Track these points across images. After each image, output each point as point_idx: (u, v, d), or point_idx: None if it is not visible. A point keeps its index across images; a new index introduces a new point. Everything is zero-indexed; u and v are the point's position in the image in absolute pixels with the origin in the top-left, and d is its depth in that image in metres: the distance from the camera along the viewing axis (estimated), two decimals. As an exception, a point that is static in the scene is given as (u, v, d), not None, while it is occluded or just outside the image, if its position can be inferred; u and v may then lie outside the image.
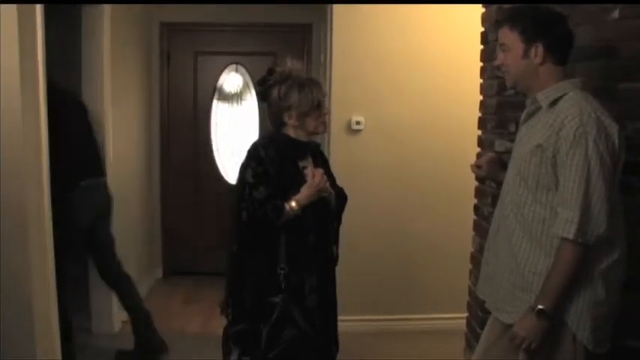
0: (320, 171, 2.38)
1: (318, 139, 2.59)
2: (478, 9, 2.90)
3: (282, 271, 2.33)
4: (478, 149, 2.91)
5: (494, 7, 2.68)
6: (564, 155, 1.76)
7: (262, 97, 2.44)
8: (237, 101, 5.33)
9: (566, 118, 1.77)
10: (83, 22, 3.69)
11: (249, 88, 5.25)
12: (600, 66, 2.20)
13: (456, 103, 3.76)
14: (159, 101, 5.17)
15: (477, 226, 2.91)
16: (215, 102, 5.30)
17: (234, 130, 5.33)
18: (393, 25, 3.87)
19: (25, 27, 2.57)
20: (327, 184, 2.40)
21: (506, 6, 2.44)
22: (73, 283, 3.47)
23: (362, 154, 3.93)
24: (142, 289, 4.74)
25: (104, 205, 3.59)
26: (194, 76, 5.23)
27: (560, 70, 1.91)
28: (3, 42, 2.46)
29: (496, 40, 2.05)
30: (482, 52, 2.90)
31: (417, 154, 3.95)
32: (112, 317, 3.96)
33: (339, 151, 3.89)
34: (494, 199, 2.52)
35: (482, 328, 2.61)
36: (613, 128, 1.77)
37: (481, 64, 2.93)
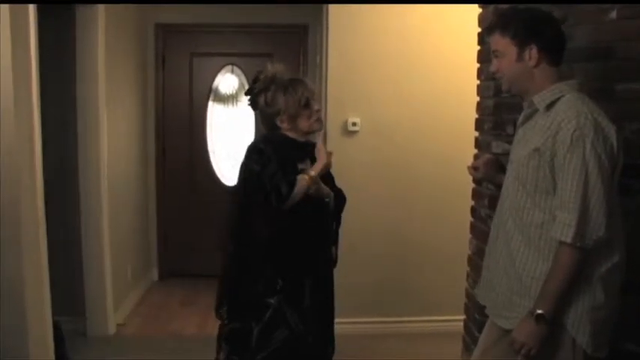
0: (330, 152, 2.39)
1: (316, 139, 2.57)
2: (475, 9, 2.89)
3: (280, 273, 2.32)
4: (475, 151, 2.89)
5: (490, 7, 2.66)
6: (562, 158, 1.74)
7: (253, 107, 2.44)
8: (233, 102, 5.32)
9: (562, 120, 1.75)
10: (77, 22, 3.66)
11: (244, 89, 5.19)
12: (598, 67, 2.19)
13: (453, 104, 3.75)
14: (154, 102, 5.15)
15: (474, 228, 2.89)
16: (211, 103, 5.29)
17: (229, 132, 5.31)
18: (389, 26, 3.86)
19: (17, 27, 2.55)
20: (317, 181, 2.36)
21: (502, 6, 2.43)
22: (69, 287, 3.44)
23: (358, 155, 3.92)
24: (139, 291, 4.74)
25: None
26: (189, 78, 5.21)
27: (555, 70, 1.89)
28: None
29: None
30: (479, 53, 2.89)
31: (414, 155, 3.94)
32: (107, 321, 3.93)
33: (335, 152, 3.82)
34: (492, 200, 2.51)
35: (479, 331, 2.60)
36: (611, 130, 1.75)
37: (478, 65, 2.91)
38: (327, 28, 3.91)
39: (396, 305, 4.05)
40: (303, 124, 2.35)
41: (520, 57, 1.86)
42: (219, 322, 2.45)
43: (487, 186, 2.63)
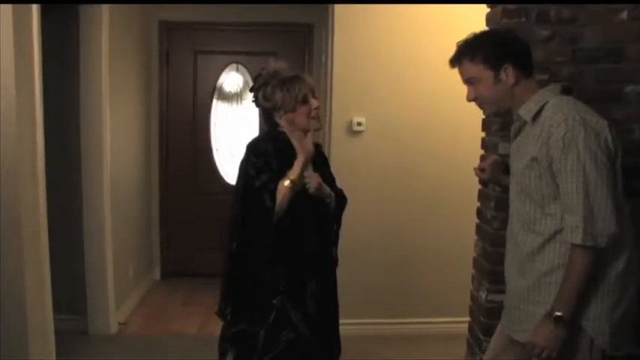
0: (309, 138, 2.30)
1: (319, 139, 2.54)
2: (481, 9, 2.86)
3: (282, 273, 2.30)
4: (481, 152, 2.87)
5: (500, 6, 2.64)
6: (558, 162, 1.75)
7: (255, 104, 2.42)
8: (237, 101, 5.30)
9: (552, 126, 1.77)
10: (81, 20, 3.65)
11: (249, 87, 5.19)
12: (607, 68, 2.18)
13: (459, 104, 3.67)
14: (158, 101, 5.13)
15: (479, 230, 2.87)
16: (215, 101, 5.27)
17: (233, 130, 5.29)
18: (394, 25, 3.83)
19: (20, 26, 2.54)
20: (318, 181, 2.32)
21: (504, 7, 2.40)
22: (70, 286, 3.42)
23: (363, 156, 3.89)
24: (140, 290, 4.73)
25: None
26: (194, 76, 5.19)
27: (532, 81, 1.92)
28: (-2, 41, 2.43)
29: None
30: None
31: (420, 156, 3.92)
32: (109, 319, 3.92)
33: (339, 152, 3.85)
34: (498, 202, 2.49)
35: (484, 334, 2.58)
36: (602, 125, 1.77)
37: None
38: (332, 27, 3.89)
39: (400, 307, 4.03)
40: (301, 121, 2.31)
41: (497, 79, 1.88)
42: (221, 323, 2.42)
43: (494, 188, 2.60)
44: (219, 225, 5.01)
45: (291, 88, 2.28)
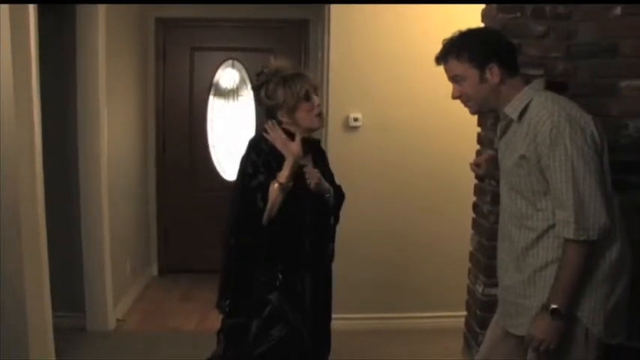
0: (297, 140, 2.31)
1: (317, 135, 2.55)
2: (478, 5, 2.87)
3: (279, 269, 2.31)
4: (477, 147, 2.88)
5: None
6: (546, 159, 1.77)
7: (257, 102, 2.43)
8: (234, 97, 5.30)
9: (538, 123, 1.79)
10: (78, 17, 3.64)
11: (245, 84, 5.21)
12: (602, 63, 2.19)
13: (455, 100, 3.72)
14: (154, 97, 5.12)
15: (475, 224, 2.89)
16: (211, 98, 5.26)
17: (230, 126, 5.30)
18: (391, 21, 3.84)
19: (18, 26, 2.55)
20: (318, 177, 2.34)
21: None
22: (68, 283, 3.43)
23: (360, 151, 3.90)
24: (138, 287, 4.74)
25: None
26: (190, 72, 5.18)
27: (518, 79, 1.93)
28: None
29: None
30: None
31: (416, 151, 3.93)
32: (107, 316, 3.92)
33: (336, 147, 3.86)
34: (494, 197, 2.51)
35: (481, 328, 2.60)
36: (586, 119, 1.78)
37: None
38: (328, 23, 3.89)
39: (397, 302, 4.05)
40: (303, 118, 2.32)
41: (482, 78, 1.90)
42: (220, 317, 2.44)
43: (489, 182, 2.62)
44: (216, 221, 5.03)
45: (293, 86, 2.29)
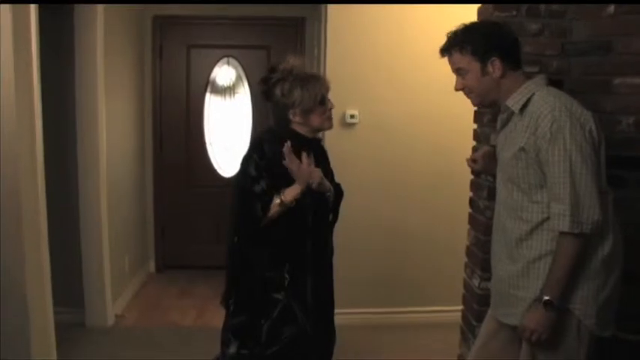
0: (305, 163, 2.29)
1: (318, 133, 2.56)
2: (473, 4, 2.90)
3: (286, 268, 2.32)
4: (474, 143, 2.91)
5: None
6: (545, 153, 1.80)
7: (266, 96, 2.38)
8: (230, 94, 5.31)
9: (539, 117, 1.81)
10: (76, 15, 3.65)
11: (242, 81, 5.23)
12: (596, 61, 2.22)
13: (452, 96, 3.70)
14: (151, 94, 5.14)
15: (472, 219, 2.91)
16: (208, 95, 5.28)
17: (226, 124, 5.32)
18: (387, 18, 3.86)
19: (19, 25, 2.56)
20: (320, 176, 2.34)
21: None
22: (67, 278, 3.44)
23: (356, 148, 3.93)
24: (136, 283, 4.76)
25: None
26: (187, 70, 5.20)
27: (520, 73, 1.96)
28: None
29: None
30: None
31: (412, 147, 3.96)
32: (106, 311, 3.95)
33: (333, 144, 3.85)
34: (490, 192, 2.53)
35: (477, 321, 2.63)
36: (586, 116, 1.82)
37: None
38: (325, 20, 3.91)
39: (394, 296, 4.08)
40: (316, 120, 2.33)
41: (484, 71, 1.93)
42: (225, 313, 2.45)
43: (486, 178, 2.65)
44: (213, 218, 5.08)
45: (311, 89, 2.28)
